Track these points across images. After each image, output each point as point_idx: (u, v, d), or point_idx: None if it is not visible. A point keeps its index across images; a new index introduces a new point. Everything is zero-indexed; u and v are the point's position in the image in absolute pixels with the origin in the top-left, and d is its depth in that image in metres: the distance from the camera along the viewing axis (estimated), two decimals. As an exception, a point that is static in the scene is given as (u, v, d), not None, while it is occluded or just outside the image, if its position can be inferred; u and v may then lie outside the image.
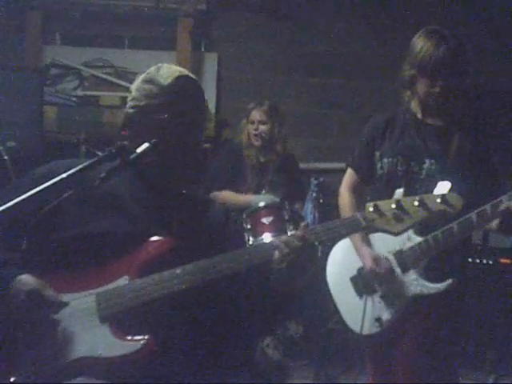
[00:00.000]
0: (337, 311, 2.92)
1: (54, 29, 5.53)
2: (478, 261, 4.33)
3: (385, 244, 2.69)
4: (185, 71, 1.98)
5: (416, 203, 1.77)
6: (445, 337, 2.71)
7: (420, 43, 2.63)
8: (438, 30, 2.63)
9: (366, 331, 2.74)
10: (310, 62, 5.61)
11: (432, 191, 2.45)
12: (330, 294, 2.94)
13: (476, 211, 2.51)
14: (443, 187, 1.91)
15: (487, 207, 2.51)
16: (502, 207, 2.47)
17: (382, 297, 2.72)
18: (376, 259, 2.70)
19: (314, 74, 5.61)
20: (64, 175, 1.71)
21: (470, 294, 4.20)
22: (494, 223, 2.55)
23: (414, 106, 2.75)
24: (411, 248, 2.63)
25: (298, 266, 1.79)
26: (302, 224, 1.83)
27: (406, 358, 2.71)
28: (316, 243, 1.78)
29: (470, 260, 4.25)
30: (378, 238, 2.71)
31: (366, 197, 2.93)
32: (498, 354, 4.17)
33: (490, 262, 4.32)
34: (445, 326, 2.71)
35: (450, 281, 2.58)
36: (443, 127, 2.71)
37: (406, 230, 1.78)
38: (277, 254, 1.78)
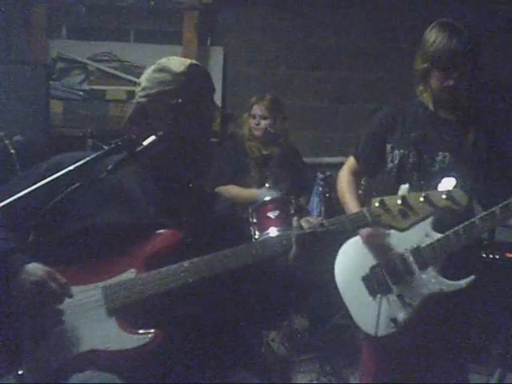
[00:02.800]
0: (346, 311, 2.79)
1: (59, 23, 5.53)
2: (484, 255, 4.31)
3: (402, 241, 2.60)
4: (195, 61, 2.00)
5: (421, 199, 1.79)
6: (458, 333, 2.70)
7: (433, 36, 2.60)
8: (450, 23, 2.61)
9: (381, 333, 2.62)
10: (316, 55, 5.60)
11: None
12: (338, 292, 2.80)
13: (500, 205, 2.47)
14: (448, 183, 1.92)
15: (511, 201, 2.47)
16: None
17: (398, 296, 2.61)
18: (388, 248, 2.63)
19: (320, 67, 5.60)
20: (71, 167, 1.72)
21: (476, 289, 4.21)
22: None
23: (427, 99, 2.71)
24: (430, 245, 2.56)
25: (317, 255, 1.79)
26: (320, 218, 1.84)
27: (418, 356, 2.69)
28: (332, 228, 1.79)
29: (477, 254, 4.27)
30: (394, 235, 2.62)
31: (371, 192, 2.93)
32: (504, 349, 4.16)
33: (497, 257, 4.30)
34: (458, 322, 2.70)
35: (472, 277, 2.52)
36: (457, 121, 2.68)
37: (411, 227, 1.80)
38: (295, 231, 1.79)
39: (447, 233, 2.54)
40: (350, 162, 2.93)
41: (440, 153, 2.63)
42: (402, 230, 1.81)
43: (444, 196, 1.78)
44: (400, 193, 1.82)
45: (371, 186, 3.00)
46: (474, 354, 4.18)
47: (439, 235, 2.55)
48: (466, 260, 2.61)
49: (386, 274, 2.64)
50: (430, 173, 2.63)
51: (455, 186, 1.83)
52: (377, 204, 1.79)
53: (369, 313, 2.65)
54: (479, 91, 2.73)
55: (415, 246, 2.58)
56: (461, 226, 2.51)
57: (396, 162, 2.70)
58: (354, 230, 2.15)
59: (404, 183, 2.51)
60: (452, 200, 1.78)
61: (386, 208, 1.79)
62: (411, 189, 2.46)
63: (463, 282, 2.52)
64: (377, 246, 2.67)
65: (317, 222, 1.78)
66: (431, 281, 2.55)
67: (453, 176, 2.32)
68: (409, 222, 1.78)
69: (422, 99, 2.72)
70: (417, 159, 2.65)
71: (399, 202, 1.78)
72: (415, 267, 2.58)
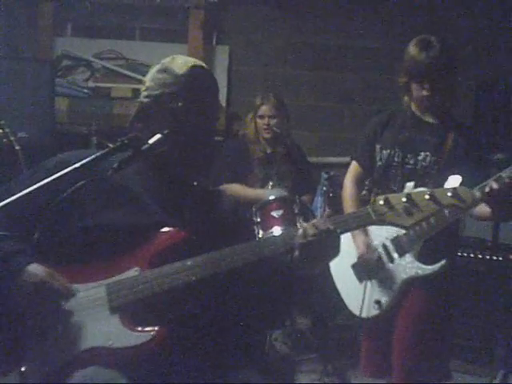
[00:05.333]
0: (341, 299, 3.08)
1: (65, 20, 5.55)
2: (487, 257, 4.32)
3: (382, 232, 2.90)
4: (199, 62, 1.99)
5: (427, 197, 1.78)
6: (439, 316, 2.91)
7: (408, 52, 2.86)
8: (425, 39, 2.85)
9: (365, 314, 2.93)
10: (322, 55, 5.60)
11: (426, 181, 2.75)
12: (332, 282, 3.11)
13: None
14: (454, 181, 1.93)
15: (475, 190, 2.61)
16: (487, 189, 2.57)
17: (381, 280, 2.91)
18: (369, 246, 2.93)
19: (325, 67, 5.60)
20: (77, 165, 1.72)
21: (480, 290, 4.21)
22: (486, 212, 2.69)
23: (413, 106, 2.95)
24: (406, 233, 2.81)
25: (318, 254, 1.78)
26: (326, 213, 1.84)
27: (401, 339, 2.88)
28: (338, 231, 1.79)
29: (480, 256, 4.29)
30: (375, 227, 2.87)
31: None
32: (507, 350, 4.16)
33: (500, 258, 4.30)
34: (438, 307, 2.90)
35: (443, 262, 2.76)
36: (440, 124, 2.91)
37: (416, 224, 1.80)
38: (299, 239, 1.78)
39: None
40: (352, 166, 3.16)
41: (422, 152, 2.88)
42: (407, 227, 1.82)
43: (449, 194, 1.78)
44: (405, 190, 1.83)
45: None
46: (476, 355, 4.18)
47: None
48: (442, 248, 2.84)
49: (371, 263, 2.93)
50: (413, 170, 2.88)
51: (461, 184, 1.83)
52: (381, 202, 1.79)
53: (357, 296, 2.95)
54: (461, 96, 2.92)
55: (395, 235, 2.86)
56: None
57: (383, 160, 2.96)
58: (359, 228, 2.16)
59: (390, 180, 2.90)
60: (457, 198, 1.78)
61: (391, 206, 1.78)
62: (396, 184, 2.85)
63: (436, 266, 2.77)
64: (360, 242, 2.96)
65: (323, 227, 1.77)
66: (408, 266, 2.83)
67: (432, 173, 2.80)
68: (413, 220, 1.78)
69: (409, 105, 2.97)
70: (401, 158, 2.91)
71: (404, 199, 1.78)
72: (395, 254, 2.87)
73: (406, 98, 2.95)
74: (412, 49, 2.84)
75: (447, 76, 2.81)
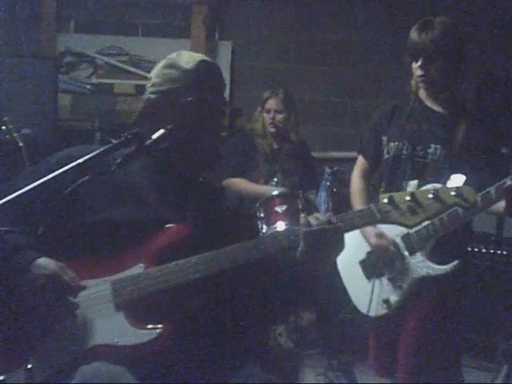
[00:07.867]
0: (346, 294, 3.01)
1: (68, 16, 5.54)
2: (492, 251, 4.32)
3: (392, 228, 2.73)
4: (205, 57, 1.99)
5: (430, 196, 1.77)
6: (448, 316, 2.82)
7: (410, 32, 2.78)
8: (427, 19, 2.77)
9: (373, 313, 2.84)
10: (325, 50, 5.58)
11: (437, 176, 2.66)
12: (340, 279, 3.03)
13: (480, 194, 2.56)
14: (457, 180, 1.93)
15: (491, 189, 2.58)
16: (505, 186, 2.52)
17: (390, 279, 2.81)
18: (379, 235, 2.81)
19: (328, 62, 5.59)
20: (81, 160, 1.72)
21: (484, 285, 4.21)
22: (501, 206, 2.59)
23: (421, 93, 2.85)
24: (418, 231, 2.72)
25: (322, 246, 1.78)
26: (328, 214, 1.83)
27: (409, 338, 2.80)
28: (340, 225, 1.78)
29: (484, 250, 4.28)
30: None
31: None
32: (511, 346, 4.16)
33: (504, 253, 4.30)
34: (448, 307, 2.82)
35: (455, 262, 2.67)
36: (450, 115, 2.80)
37: (420, 223, 1.80)
38: (302, 227, 1.77)
39: (433, 220, 2.65)
40: (359, 161, 3.07)
41: (432, 145, 2.77)
42: (411, 226, 1.81)
43: (453, 193, 1.77)
44: (409, 189, 1.84)
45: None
46: (480, 350, 4.18)
47: (427, 222, 2.60)
48: (454, 247, 2.77)
49: (380, 259, 2.83)
50: (423, 164, 2.78)
51: (464, 183, 1.83)
52: (385, 200, 1.78)
53: (365, 294, 2.86)
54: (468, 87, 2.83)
55: (405, 232, 2.75)
56: (445, 214, 2.59)
57: (391, 153, 2.85)
58: (363, 227, 2.15)
59: (398, 174, 2.81)
60: (461, 197, 1.77)
61: (395, 204, 1.78)
62: (405, 178, 2.75)
63: (448, 267, 2.68)
64: (371, 233, 2.84)
65: (325, 219, 1.77)
66: (419, 265, 2.74)
67: (443, 167, 2.69)
68: (418, 219, 1.77)
69: (417, 93, 2.86)
70: (410, 151, 2.80)
71: (408, 198, 1.77)
72: (405, 252, 2.77)
73: (412, 83, 2.84)
74: (413, 29, 2.77)
75: (443, 57, 2.70)
